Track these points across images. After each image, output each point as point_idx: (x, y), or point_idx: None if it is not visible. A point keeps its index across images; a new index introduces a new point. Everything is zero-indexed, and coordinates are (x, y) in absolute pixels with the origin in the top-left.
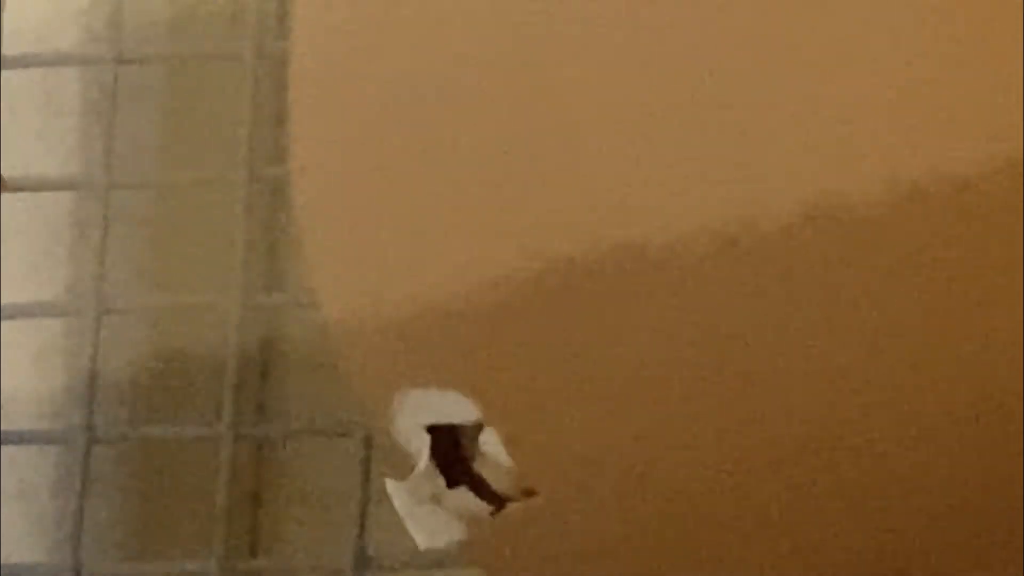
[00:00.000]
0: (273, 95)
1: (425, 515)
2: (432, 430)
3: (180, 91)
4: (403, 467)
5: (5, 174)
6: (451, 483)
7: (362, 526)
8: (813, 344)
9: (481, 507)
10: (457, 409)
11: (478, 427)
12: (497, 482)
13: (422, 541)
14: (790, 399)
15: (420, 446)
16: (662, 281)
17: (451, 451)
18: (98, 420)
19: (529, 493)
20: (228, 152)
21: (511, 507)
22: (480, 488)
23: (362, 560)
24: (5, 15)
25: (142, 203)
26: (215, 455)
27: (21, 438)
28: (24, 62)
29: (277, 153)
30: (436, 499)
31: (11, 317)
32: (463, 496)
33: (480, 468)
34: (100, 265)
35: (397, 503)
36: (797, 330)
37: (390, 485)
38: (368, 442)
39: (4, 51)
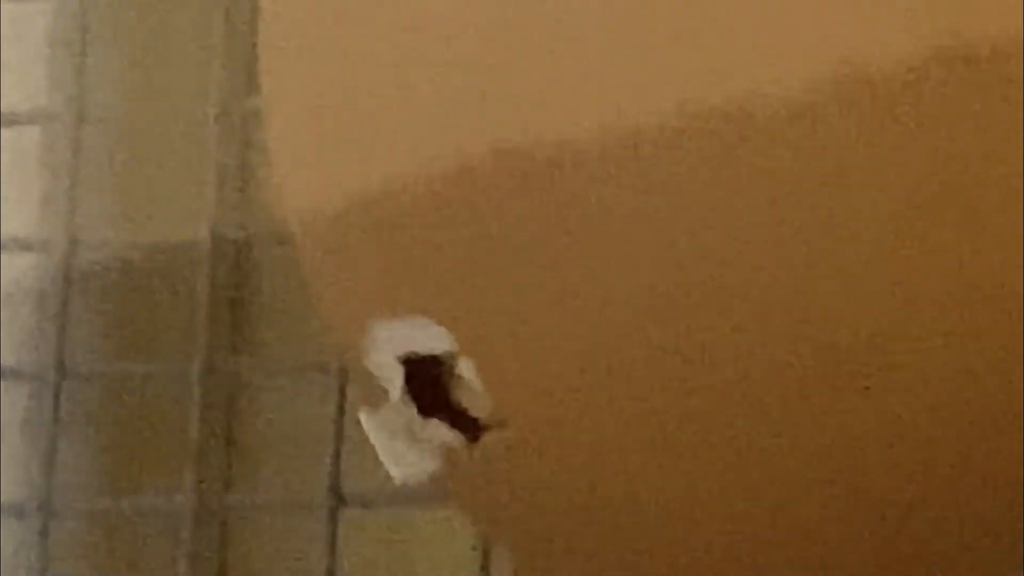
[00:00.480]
0: (248, 29)
1: (399, 447)
2: (407, 361)
3: (151, 25)
4: (378, 399)
5: None
6: (426, 414)
7: (336, 462)
8: (803, 243)
9: (456, 438)
10: (431, 339)
11: (453, 357)
12: (472, 412)
13: (396, 473)
14: (770, 314)
15: (394, 377)
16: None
17: (426, 382)
18: (69, 357)
19: (504, 423)
20: (200, 87)
21: (486, 437)
22: (455, 419)
23: (336, 495)
24: None
25: (112, 138)
26: (189, 392)
27: None
28: None
29: (250, 88)
30: (410, 431)
31: None
32: (437, 427)
33: (455, 398)
34: (70, 200)
35: (371, 435)
36: (799, 228)
37: (363, 417)
38: (343, 377)
39: None
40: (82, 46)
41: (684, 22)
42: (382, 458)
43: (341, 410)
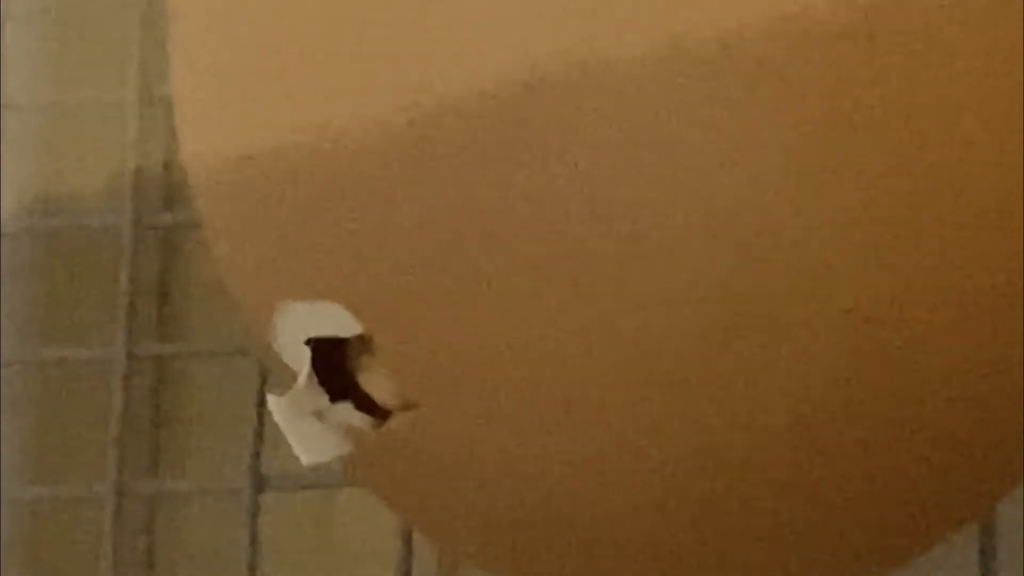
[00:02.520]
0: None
1: (307, 430)
2: (316, 344)
3: (69, 9)
4: (286, 383)
5: None
6: (334, 397)
7: (257, 447)
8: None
9: (363, 420)
10: (338, 322)
11: (361, 340)
12: (380, 395)
13: (304, 456)
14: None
15: (300, 360)
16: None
17: (334, 365)
18: None
19: (411, 405)
20: (119, 72)
21: (393, 419)
22: (363, 402)
23: (258, 481)
24: None
25: (32, 124)
26: (112, 378)
27: None
28: None
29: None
30: (318, 414)
31: None
32: (345, 410)
33: (363, 382)
34: None
35: (278, 418)
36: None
37: (271, 400)
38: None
39: None
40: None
41: None
42: (290, 441)
43: (263, 396)
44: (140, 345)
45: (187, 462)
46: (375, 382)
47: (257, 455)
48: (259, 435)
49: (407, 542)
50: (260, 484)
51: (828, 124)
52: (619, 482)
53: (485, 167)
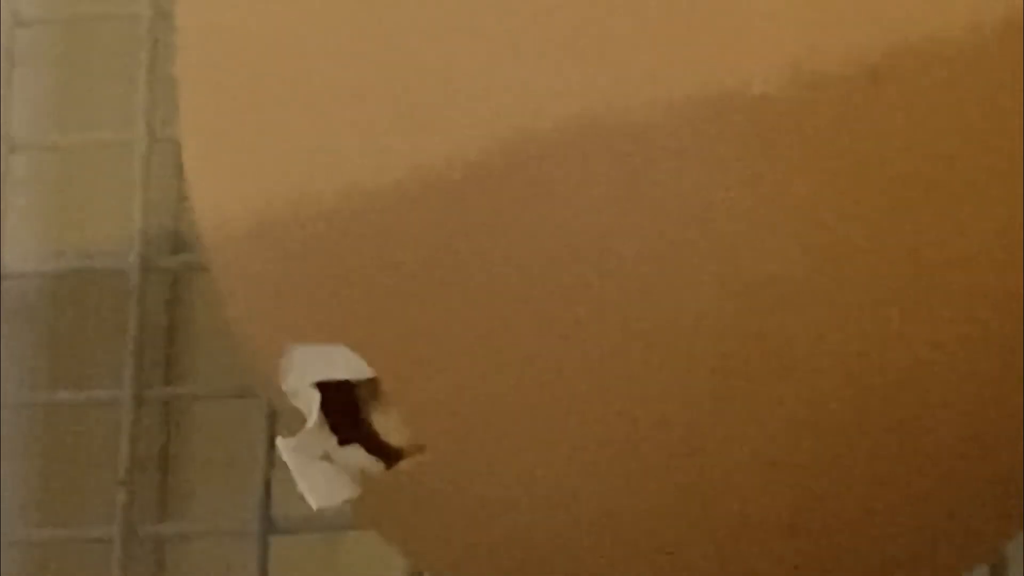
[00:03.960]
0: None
1: (316, 473)
2: (325, 387)
3: (77, 52)
4: (295, 426)
5: None
6: (344, 440)
7: (267, 489)
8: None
9: (373, 463)
10: (347, 365)
11: (370, 383)
12: (389, 438)
13: (313, 499)
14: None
15: (310, 403)
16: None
17: (344, 408)
18: None
19: (421, 448)
20: (127, 113)
21: (403, 463)
22: (372, 445)
23: (267, 523)
24: None
25: (40, 166)
26: (120, 420)
27: None
28: None
29: (177, 113)
30: (327, 456)
31: None
32: (355, 453)
33: (373, 424)
34: None
35: (288, 461)
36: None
37: (280, 443)
38: (272, 403)
39: None
40: (8, 72)
41: None
42: (299, 484)
43: (272, 438)
44: (148, 387)
45: (195, 505)
46: (385, 424)
47: (266, 497)
48: (268, 477)
49: None
50: (269, 526)
51: (835, 171)
52: (632, 526)
53: (495, 213)
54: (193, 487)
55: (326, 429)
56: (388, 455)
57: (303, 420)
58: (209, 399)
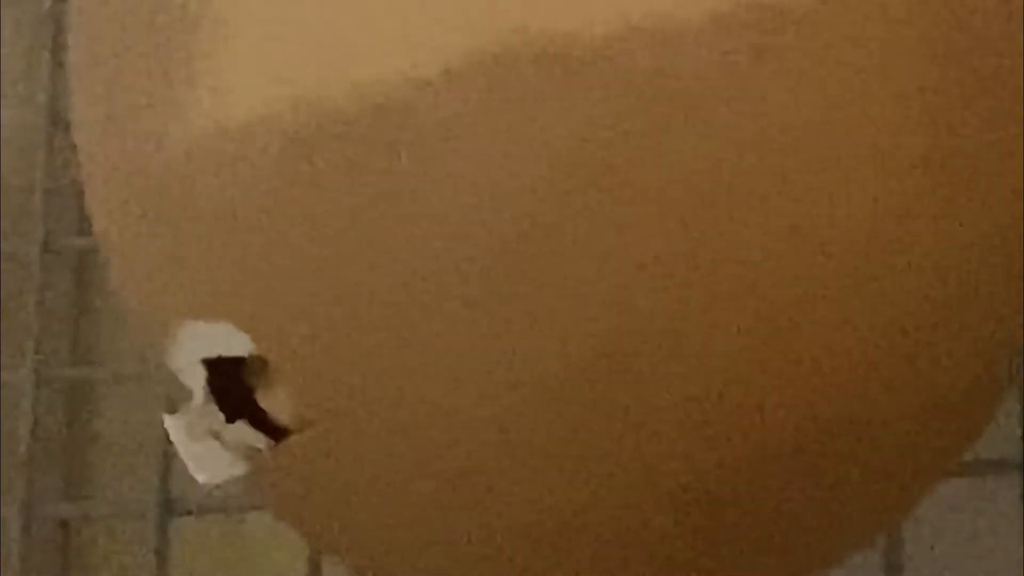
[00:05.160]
0: None
1: (204, 450)
2: (213, 365)
3: None
4: (182, 403)
5: None
6: (231, 417)
7: (165, 470)
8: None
9: (261, 440)
10: (232, 341)
11: (257, 359)
12: (276, 414)
13: (202, 477)
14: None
15: (196, 380)
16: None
17: (231, 384)
18: None
19: (308, 424)
20: (28, 92)
21: (291, 439)
22: (260, 421)
23: (166, 504)
24: None
25: None
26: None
27: None
28: None
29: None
30: (215, 434)
31: None
32: (242, 430)
33: (260, 401)
34: None
35: (175, 439)
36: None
37: (167, 421)
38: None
39: None
40: None
41: None
42: (186, 462)
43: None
44: (50, 369)
45: (98, 486)
46: (273, 401)
47: (164, 478)
48: (167, 458)
49: (315, 563)
50: (168, 508)
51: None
52: (520, 491)
53: (373, 179)
54: (96, 469)
55: (213, 406)
56: (277, 433)
57: (190, 397)
58: (112, 380)
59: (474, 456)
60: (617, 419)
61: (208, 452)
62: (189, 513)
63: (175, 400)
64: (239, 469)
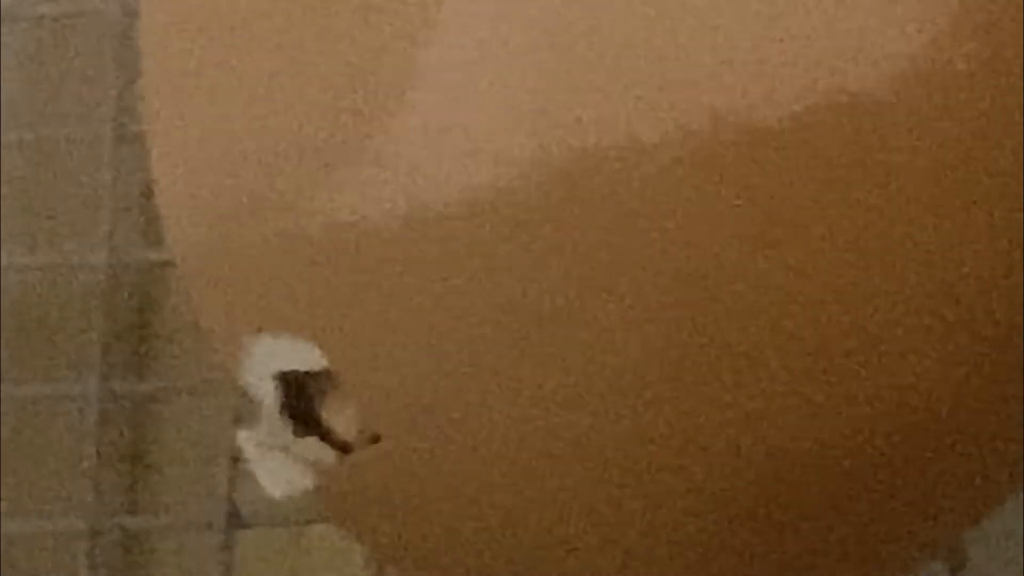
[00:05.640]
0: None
1: (273, 464)
2: (284, 379)
3: (48, 48)
4: (254, 417)
5: None
6: (302, 431)
7: (232, 483)
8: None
9: (328, 454)
10: (303, 356)
11: (326, 374)
12: (344, 429)
13: (272, 490)
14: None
15: (268, 394)
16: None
17: (300, 399)
18: None
19: (376, 439)
20: (96, 110)
21: (357, 454)
22: (328, 436)
23: (233, 517)
24: None
25: (9, 161)
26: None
27: None
28: None
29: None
30: (285, 448)
31: None
32: (311, 444)
33: (327, 416)
34: None
35: (246, 453)
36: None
37: (240, 435)
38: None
39: None
40: None
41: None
42: (257, 476)
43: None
44: (116, 381)
45: (163, 498)
46: (339, 416)
47: (231, 490)
48: (233, 472)
49: None
50: (234, 520)
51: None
52: (589, 512)
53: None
54: (161, 481)
55: (284, 420)
56: (345, 448)
57: (258, 412)
58: (179, 393)
59: (546, 472)
60: (684, 431)
61: (280, 466)
62: (254, 525)
63: (241, 414)
64: (308, 483)
